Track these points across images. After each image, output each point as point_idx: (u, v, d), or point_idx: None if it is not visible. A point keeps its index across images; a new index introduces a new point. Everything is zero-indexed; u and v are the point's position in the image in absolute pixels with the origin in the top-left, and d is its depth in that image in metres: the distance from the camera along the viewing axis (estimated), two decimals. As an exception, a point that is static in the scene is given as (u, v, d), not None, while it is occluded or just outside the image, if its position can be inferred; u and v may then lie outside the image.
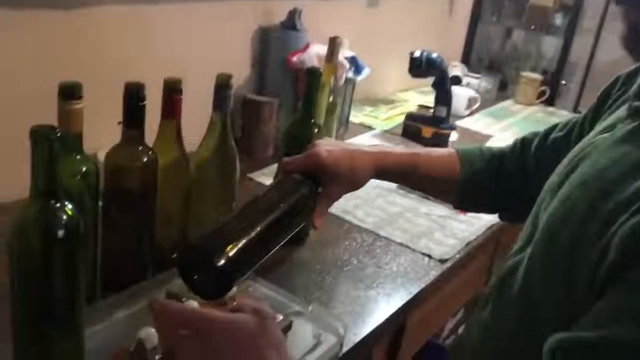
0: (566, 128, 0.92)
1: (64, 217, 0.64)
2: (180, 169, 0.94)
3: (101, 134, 0.89)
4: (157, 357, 0.72)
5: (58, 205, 0.64)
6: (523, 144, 0.98)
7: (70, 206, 0.65)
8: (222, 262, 0.65)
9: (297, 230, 0.82)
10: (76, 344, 0.72)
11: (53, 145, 0.61)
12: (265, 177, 1.38)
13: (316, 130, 1.09)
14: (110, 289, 0.89)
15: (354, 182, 0.89)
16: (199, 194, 1.00)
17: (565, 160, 0.73)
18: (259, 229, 0.72)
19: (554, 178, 0.73)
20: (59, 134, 0.62)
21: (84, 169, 0.78)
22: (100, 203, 0.84)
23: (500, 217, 1.06)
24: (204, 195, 1.01)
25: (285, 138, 1.11)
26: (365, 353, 0.95)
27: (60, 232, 0.64)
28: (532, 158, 0.95)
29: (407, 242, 1.20)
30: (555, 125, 0.94)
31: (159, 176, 0.88)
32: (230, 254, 0.66)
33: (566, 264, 0.60)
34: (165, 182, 0.90)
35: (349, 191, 0.90)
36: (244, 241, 0.68)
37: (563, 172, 0.71)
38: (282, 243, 0.78)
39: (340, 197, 0.89)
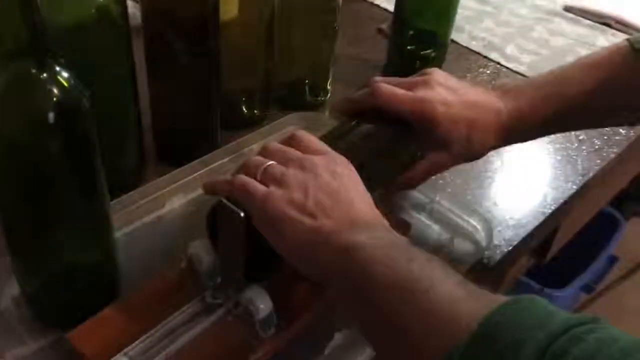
0: None
1: (55, 91, 0.39)
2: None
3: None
4: (218, 280, 0.52)
5: (44, 74, 0.39)
6: None
7: (64, 74, 0.40)
8: None
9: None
10: (99, 260, 0.51)
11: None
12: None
13: None
14: (166, 159, 0.66)
15: (470, 154, 0.62)
16: (288, 22, 0.73)
17: None
18: None
19: None
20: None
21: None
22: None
23: None
24: (295, 22, 0.74)
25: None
26: (510, 260, 0.69)
27: (50, 116, 0.40)
28: None
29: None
30: None
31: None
32: None
33: None
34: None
35: (460, 163, 0.62)
36: None
37: None
38: None
39: (445, 170, 0.63)
